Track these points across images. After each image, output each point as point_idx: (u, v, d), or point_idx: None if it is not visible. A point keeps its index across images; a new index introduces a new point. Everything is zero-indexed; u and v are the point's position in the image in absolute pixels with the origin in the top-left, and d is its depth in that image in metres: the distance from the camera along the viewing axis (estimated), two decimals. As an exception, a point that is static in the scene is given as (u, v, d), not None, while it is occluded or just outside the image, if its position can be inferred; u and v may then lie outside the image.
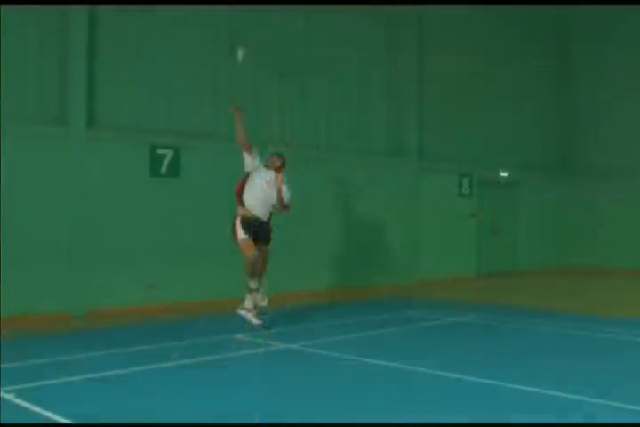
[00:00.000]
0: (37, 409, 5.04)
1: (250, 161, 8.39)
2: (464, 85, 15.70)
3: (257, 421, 4.80)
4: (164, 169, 10.50)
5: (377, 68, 14.02)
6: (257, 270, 8.24)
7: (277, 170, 8.48)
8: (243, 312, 8.34)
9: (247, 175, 8.44)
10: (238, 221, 8.30)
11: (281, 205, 8.47)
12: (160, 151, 10.49)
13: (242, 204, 8.37)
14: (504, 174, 16.84)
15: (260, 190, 8.34)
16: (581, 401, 5.34)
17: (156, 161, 10.47)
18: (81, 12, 9.71)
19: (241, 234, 8.24)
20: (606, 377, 6.23)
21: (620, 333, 8.41)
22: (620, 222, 17.44)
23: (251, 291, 8.28)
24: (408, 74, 14.49)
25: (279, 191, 8.38)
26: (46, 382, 5.84)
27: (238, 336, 8.06)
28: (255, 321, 8.31)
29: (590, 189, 18.14)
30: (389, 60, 14.26)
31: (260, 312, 8.40)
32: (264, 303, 8.41)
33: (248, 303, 8.32)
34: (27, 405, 5.15)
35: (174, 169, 10.63)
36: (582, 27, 18.60)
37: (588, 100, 18.36)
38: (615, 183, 17.61)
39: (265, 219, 8.43)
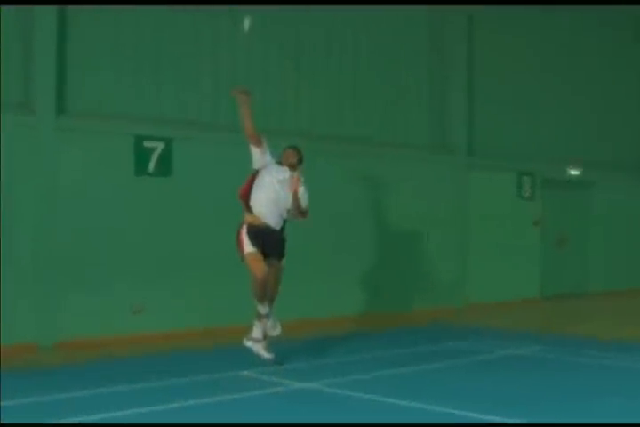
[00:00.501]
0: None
1: (259, 156, 8.38)
2: (523, 72, 15.87)
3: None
4: (152, 166, 10.50)
5: (418, 52, 14.16)
6: (267, 292, 8.20)
7: (293, 167, 8.49)
8: (250, 343, 8.30)
9: (255, 173, 8.43)
10: (244, 231, 8.28)
11: (297, 211, 8.46)
12: (147, 144, 10.49)
13: (248, 209, 8.35)
14: (574, 172, 16.79)
15: (272, 192, 8.32)
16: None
17: (142, 156, 10.46)
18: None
19: (247, 246, 8.22)
20: None
21: None
22: None
23: (260, 317, 8.26)
24: (455, 59, 14.56)
25: (295, 193, 8.36)
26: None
27: (245, 373, 8.05)
28: (265, 354, 8.28)
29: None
30: (433, 41, 14.38)
31: (270, 343, 8.38)
32: (276, 332, 8.40)
33: (257, 333, 8.28)
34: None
35: (165, 166, 10.63)
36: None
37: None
38: None
39: (277, 227, 8.40)
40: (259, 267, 8.10)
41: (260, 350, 8.24)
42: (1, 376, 7.60)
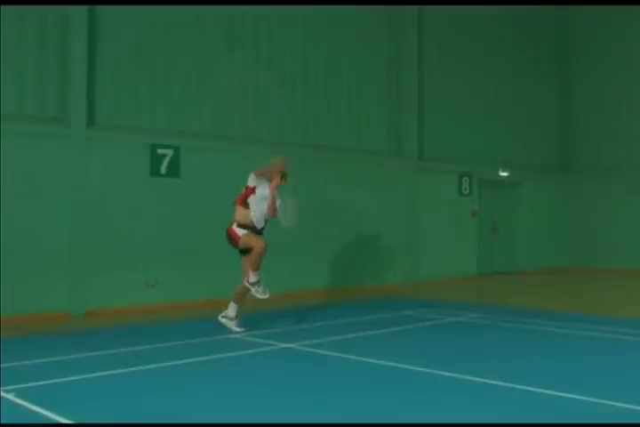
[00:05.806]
0: (37, 409, 5.02)
1: (254, 180, 8.13)
2: (464, 86, 15.74)
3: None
4: (164, 169, 10.52)
5: (378, 69, 14.06)
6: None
7: (277, 182, 8.16)
8: (224, 320, 8.28)
9: (252, 189, 8.13)
10: (235, 226, 8.12)
11: (272, 205, 8.10)
12: (160, 151, 10.52)
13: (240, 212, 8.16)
14: (504, 174, 16.80)
15: (261, 201, 8.13)
16: (581, 401, 5.34)
17: (156, 160, 10.49)
18: (81, 10, 9.72)
19: (241, 231, 8.04)
20: (605, 377, 6.21)
21: (620, 332, 8.32)
22: (622, 222, 17.30)
23: (255, 284, 8.04)
24: (408, 73, 14.51)
25: (272, 196, 8.10)
26: (46, 382, 5.83)
27: (236, 335, 8.10)
28: (237, 329, 8.24)
29: (592, 188, 18.05)
30: (390, 60, 14.30)
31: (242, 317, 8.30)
32: (266, 295, 8.13)
33: (231, 311, 8.26)
34: (26, 404, 5.14)
35: (174, 169, 10.65)
36: (580, 26, 18.47)
37: (588, 99, 18.20)
38: (617, 182, 17.52)
39: (259, 227, 8.22)
40: (257, 241, 7.91)
41: (233, 326, 8.21)
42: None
